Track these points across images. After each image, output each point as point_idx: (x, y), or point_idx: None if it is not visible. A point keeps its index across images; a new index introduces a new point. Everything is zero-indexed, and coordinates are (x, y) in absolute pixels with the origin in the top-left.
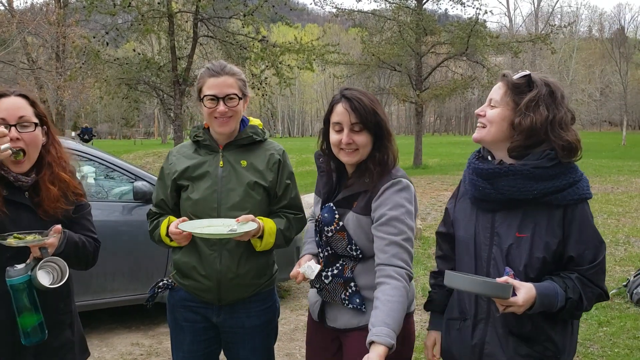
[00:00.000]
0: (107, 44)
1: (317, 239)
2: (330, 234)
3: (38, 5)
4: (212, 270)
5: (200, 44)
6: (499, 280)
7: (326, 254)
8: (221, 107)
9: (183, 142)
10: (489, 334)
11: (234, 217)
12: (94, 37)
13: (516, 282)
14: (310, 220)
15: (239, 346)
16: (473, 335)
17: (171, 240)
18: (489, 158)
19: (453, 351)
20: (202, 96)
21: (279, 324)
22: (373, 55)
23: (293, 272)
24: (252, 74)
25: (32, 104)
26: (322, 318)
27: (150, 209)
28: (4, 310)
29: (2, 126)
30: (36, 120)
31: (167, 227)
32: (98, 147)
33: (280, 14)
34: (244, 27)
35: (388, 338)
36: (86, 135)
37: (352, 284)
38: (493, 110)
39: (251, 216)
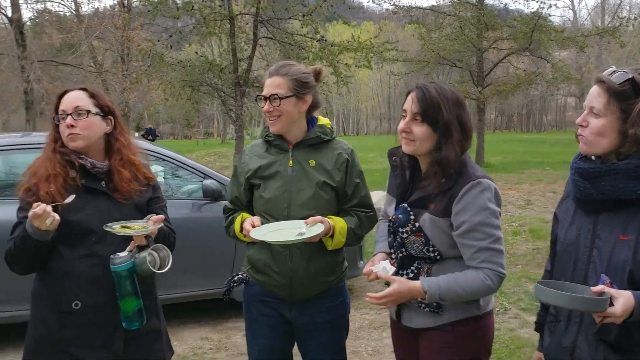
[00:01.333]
0: (171, 47)
1: (390, 239)
2: (405, 236)
3: (103, 10)
4: (284, 267)
5: (260, 45)
6: (593, 289)
7: (400, 255)
8: (265, 106)
9: (243, 141)
10: (580, 338)
11: (304, 216)
12: (158, 40)
13: (613, 291)
14: (381, 219)
15: (311, 342)
16: (565, 337)
17: (245, 236)
18: (592, 157)
19: (549, 355)
20: None
21: None
22: (433, 51)
23: (366, 270)
24: None
25: (92, 95)
26: (399, 316)
27: (225, 205)
28: (105, 294)
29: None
30: (90, 109)
31: (241, 224)
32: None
33: (339, 13)
34: (302, 27)
35: (427, 283)
36: (150, 136)
37: None
38: (598, 120)
39: (319, 217)
